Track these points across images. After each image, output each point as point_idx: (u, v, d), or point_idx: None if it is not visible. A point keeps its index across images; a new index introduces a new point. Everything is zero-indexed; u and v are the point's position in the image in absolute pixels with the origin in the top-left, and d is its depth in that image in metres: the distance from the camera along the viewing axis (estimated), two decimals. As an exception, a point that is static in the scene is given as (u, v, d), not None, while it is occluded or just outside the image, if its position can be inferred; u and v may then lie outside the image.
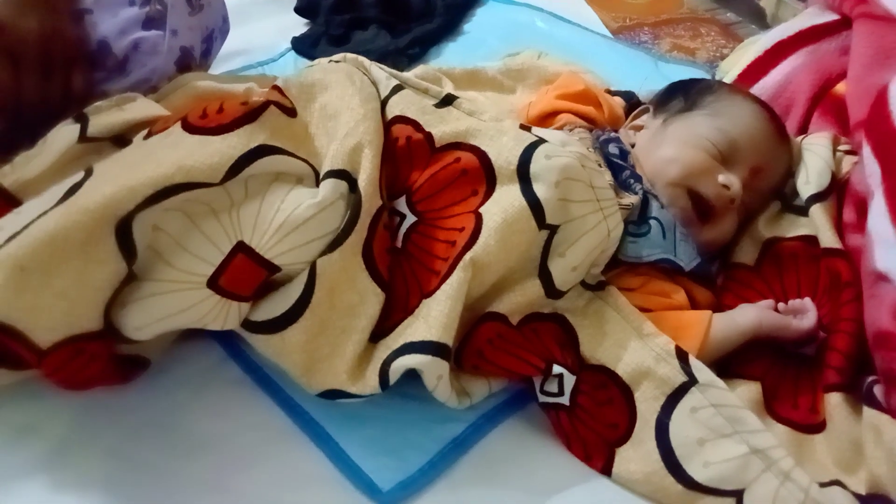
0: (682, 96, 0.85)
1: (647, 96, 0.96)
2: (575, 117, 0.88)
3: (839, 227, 0.75)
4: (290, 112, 0.68)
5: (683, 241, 0.75)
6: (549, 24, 1.32)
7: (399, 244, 0.68)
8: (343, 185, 0.64)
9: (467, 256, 0.63)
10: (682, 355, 0.66)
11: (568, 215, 0.67)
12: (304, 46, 1.19)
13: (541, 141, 0.68)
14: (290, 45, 1.21)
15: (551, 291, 0.68)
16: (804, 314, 0.73)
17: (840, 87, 0.88)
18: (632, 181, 0.77)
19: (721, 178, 0.76)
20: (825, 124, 0.88)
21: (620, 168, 0.78)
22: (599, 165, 0.75)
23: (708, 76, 1.11)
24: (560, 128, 0.85)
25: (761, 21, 1.42)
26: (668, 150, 0.79)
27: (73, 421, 0.64)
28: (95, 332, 0.59)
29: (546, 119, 0.90)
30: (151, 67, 0.83)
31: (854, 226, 0.74)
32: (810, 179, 0.79)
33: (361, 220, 0.64)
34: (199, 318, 0.61)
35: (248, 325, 0.63)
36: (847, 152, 0.81)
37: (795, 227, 0.78)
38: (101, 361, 0.62)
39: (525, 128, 0.71)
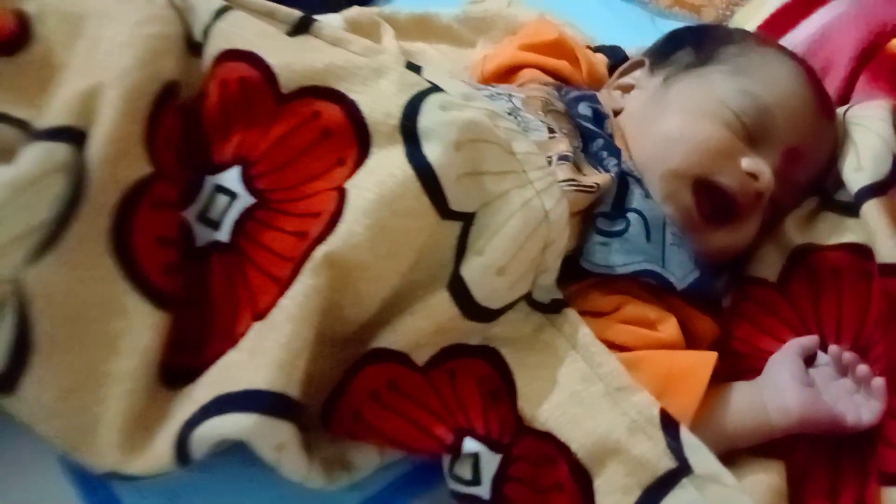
0: (691, 47, 0.67)
1: (637, 53, 0.78)
2: (542, 74, 0.72)
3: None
4: (4, 49, 0.47)
5: (676, 245, 0.56)
6: (526, -30, 1.17)
7: (226, 238, 0.47)
8: (62, 151, 0.42)
9: (318, 252, 0.43)
10: (669, 425, 0.46)
11: (483, 195, 0.48)
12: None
13: (435, 88, 0.50)
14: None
15: (472, 309, 0.48)
16: (866, 394, 0.52)
17: (899, 43, 0.72)
18: (605, 154, 0.58)
19: (746, 164, 0.58)
20: (877, 91, 0.71)
21: (592, 135, 0.59)
22: (551, 132, 0.56)
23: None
24: (522, 86, 0.69)
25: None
26: (671, 121, 0.61)
27: None
28: None
29: (506, 75, 0.74)
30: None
31: (926, 232, 0.56)
32: (863, 165, 0.60)
33: (94, 201, 0.42)
34: None
35: None
36: (914, 127, 0.63)
37: (839, 232, 0.60)
38: None
39: (414, 67, 0.52)
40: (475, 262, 0.47)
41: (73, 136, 0.42)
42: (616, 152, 0.57)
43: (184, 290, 0.44)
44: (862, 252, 0.58)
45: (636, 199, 0.56)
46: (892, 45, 0.72)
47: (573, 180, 0.52)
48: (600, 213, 0.54)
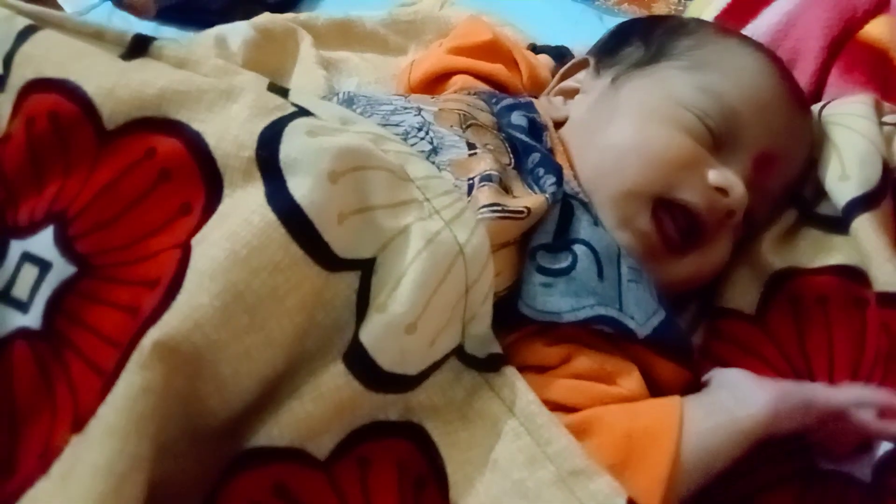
0: (640, 40, 0.60)
1: (583, 52, 0.70)
2: (475, 80, 0.67)
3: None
4: None
5: (634, 282, 0.47)
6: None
7: (37, 323, 0.37)
8: None
9: (147, 340, 0.33)
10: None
11: (378, 235, 0.40)
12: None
13: (301, 112, 0.41)
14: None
15: (378, 380, 0.39)
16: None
17: (874, 30, 0.67)
18: (541, 172, 0.49)
19: (713, 178, 0.51)
20: (852, 85, 0.65)
21: (527, 149, 0.51)
22: (472, 148, 0.48)
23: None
24: (437, 97, 0.63)
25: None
26: (621, 130, 0.54)
27: None
28: None
29: (436, 83, 0.69)
30: None
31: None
32: (849, 172, 0.52)
33: None
34: None
35: None
36: (900, 125, 0.56)
37: (825, 252, 0.53)
38: None
39: (278, 90, 0.43)
40: (376, 321, 0.37)
41: None
42: (555, 169, 0.49)
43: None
44: (853, 275, 0.51)
45: (583, 227, 0.47)
46: (865, 33, 0.66)
47: (497, 204, 0.43)
48: (540, 245, 0.45)
